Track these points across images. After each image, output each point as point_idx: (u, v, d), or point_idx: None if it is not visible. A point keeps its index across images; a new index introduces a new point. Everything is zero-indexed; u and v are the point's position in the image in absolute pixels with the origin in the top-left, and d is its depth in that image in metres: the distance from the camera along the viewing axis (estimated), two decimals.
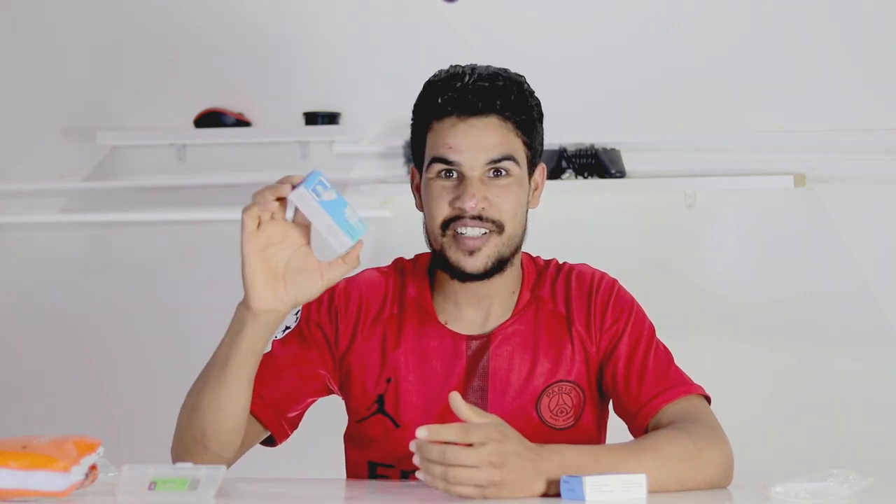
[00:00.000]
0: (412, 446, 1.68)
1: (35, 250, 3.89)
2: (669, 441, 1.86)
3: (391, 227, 3.60)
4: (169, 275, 3.79)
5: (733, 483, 1.91)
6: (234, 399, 1.91)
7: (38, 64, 3.87)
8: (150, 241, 3.81)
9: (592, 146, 3.40)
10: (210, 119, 3.69)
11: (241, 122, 3.70)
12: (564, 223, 3.48)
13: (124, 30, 3.82)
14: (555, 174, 3.40)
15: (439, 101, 2.00)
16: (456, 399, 1.71)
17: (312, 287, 1.83)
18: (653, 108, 3.45)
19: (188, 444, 1.94)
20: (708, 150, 3.40)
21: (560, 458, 1.75)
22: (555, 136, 3.40)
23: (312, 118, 3.64)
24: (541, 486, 1.72)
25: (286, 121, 3.70)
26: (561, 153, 3.41)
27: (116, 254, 3.83)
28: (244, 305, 1.85)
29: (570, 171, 3.42)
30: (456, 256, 1.99)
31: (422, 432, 1.66)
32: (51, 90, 3.87)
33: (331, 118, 3.64)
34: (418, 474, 1.70)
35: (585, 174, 3.40)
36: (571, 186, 3.42)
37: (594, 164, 3.39)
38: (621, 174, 3.39)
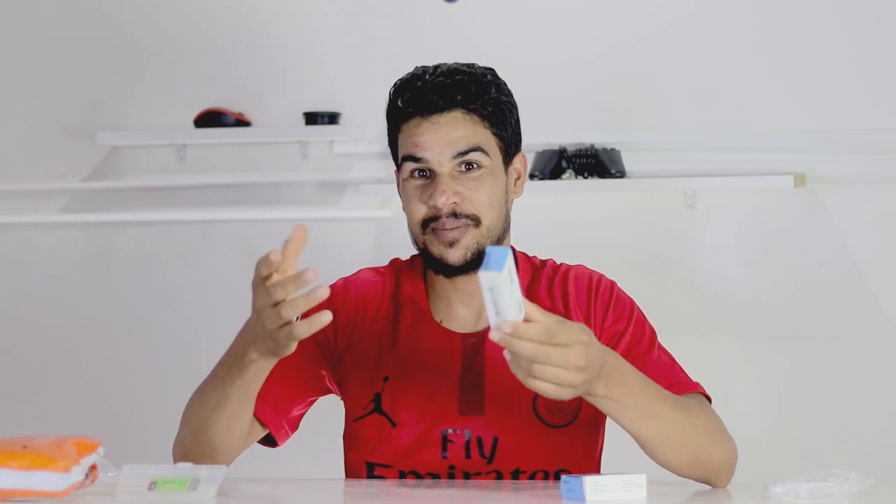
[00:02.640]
0: (495, 336, 1.59)
1: (35, 250, 3.89)
2: (702, 409, 1.91)
3: (391, 227, 3.60)
4: (169, 275, 3.80)
5: (733, 483, 1.91)
6: (244, 421, 1.94)
7: (38, 64, 3.87)
8: (150, 241, 3.81)
9: (592, 146, 3.40)
10: (210, 119, 3.69)
11: (241, 122, 3.70)
12: (564, 223, 3.48)
13: (124, 30, 3.82)
14: (555, 174, 3.40)
15: (400, 103, 2.03)
16: (528, 307, 1.62)
17: (291, 345, 1.77)
18: (653, 108, 3.45)
19: (195, 456, 1.94)
20: (708, 150, 3.41)
21: (618, 365, 1.76)
22: (555, 136, 3.42)
23: (312, 118, 3.64)
24: (592, 390, 1.72)
25: (286, 121, 3.70)
26: (561, 153, 3.41)
27: (116, 254, 3.83)
28: (254, 352, 1.79)
29: (570, 171, 3.43)
30: (438, 250, 2.00)
31: (506, 327, 1.59)
32: (51, 90, 3.87)
33: (331, 118, 3.64)
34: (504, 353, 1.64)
35: (585, 174, 3.40)
36: (571, 186, 3.42)
37: (594, 164, 3.39)
38: (621, 174, 3.39)
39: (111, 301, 3.82)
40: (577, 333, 1.64)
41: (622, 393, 1.76)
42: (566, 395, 1.66)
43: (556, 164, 3.41)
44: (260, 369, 1.84)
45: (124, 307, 3.82)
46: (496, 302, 1.57)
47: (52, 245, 3.87)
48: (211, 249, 3.77)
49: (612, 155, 3.39)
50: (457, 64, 2.04)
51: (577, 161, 3.40)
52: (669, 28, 3.44)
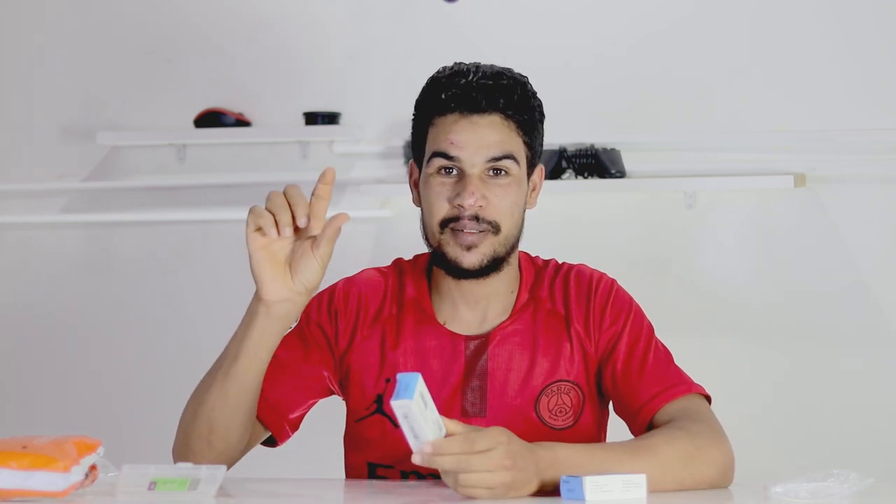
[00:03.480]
0: (416, 459, 1.64)
1: (35, 250, 3.89)
2: (667, 441, 1.85)
3: (391, 227, 3.60)
4: (169, 275, 3.80)
5: (733, 483, 1.91)
6: (243, 393, 1.92)
7: (38, 64, 3.87)
8: (150, 241, 3.81)
9: (592, 146, 3.40)
10: (210, 119, 3.69)
11: (241, 122, 3.70)
12: (564, 223, 3.48)
13: (124, 30, 3.82)
14: (555, 174, 3.40)
15: (443, 96, 2.00)
16: (447, 422, 1.67)
17: (312, 268, 1.85)
18: (653, 108, 3.45)
19: (193, 441, 1.94)
20: (708, 150, 3.41)
21: (553, 455, 1.75)
22: (555, 136, 3.40)
23: (312, 118, 3.64)
24: (535, 485, 1.72)
25: (286, 121, 3.70)
26: (561, 153, 3.41)
27: (116, 254, 3.83)
28: (256, 298, 1.87)
29: (570, 171, 3.42)
30: (454, 252, 1.99)
31: (427, 448, 1.63)
32: (51, 90, 3.87)
33: (331, 118, 3.64)
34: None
35: (585, 174, 3.40)
36: (571, 186, 3.42)
37: (594, 164, 3.39)
38: (621, 174, 3.39)
39: (111, 301, 3.82)
40: (496, 435, 1.67)
41: (572, 462, 1.76)
42: (500, 495, 1.67)
43: (556, 164, 3.41)
44: (254, 314, 1.88)
45: (124, 307, 3.82)
46: (412, 427, 1.62)
47: (52, 245, 3.87)
48: (211, 249, 3.77)
49: (612, 155, 3.39)
50: (497, 67, 2.03)
51: (577, 161, 3.40)
52: (669, 28, 3.44)
